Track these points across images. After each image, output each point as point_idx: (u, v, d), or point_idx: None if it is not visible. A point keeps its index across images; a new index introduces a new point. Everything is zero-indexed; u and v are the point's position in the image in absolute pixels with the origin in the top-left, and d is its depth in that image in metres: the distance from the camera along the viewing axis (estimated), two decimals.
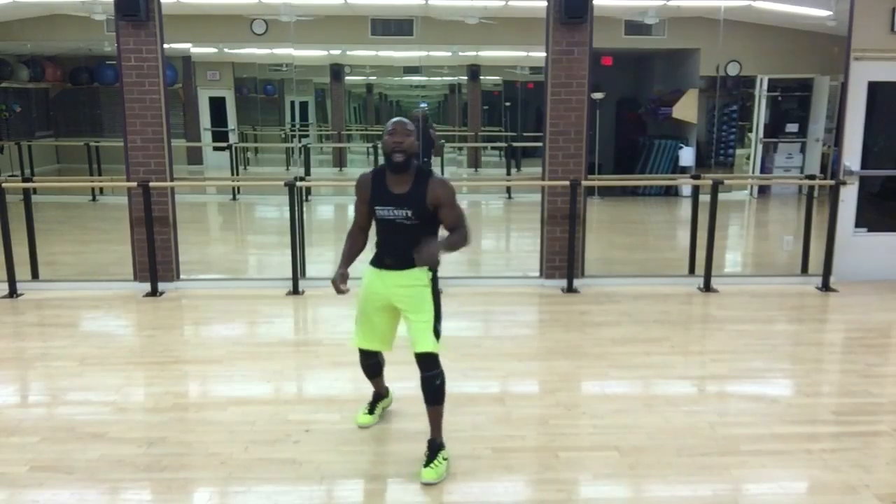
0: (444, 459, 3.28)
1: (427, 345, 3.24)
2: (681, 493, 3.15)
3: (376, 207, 3.27)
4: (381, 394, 3.81)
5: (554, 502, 3.08)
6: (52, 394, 4.26)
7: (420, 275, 3.28)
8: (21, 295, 6.17)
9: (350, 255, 3.45)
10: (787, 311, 5.91)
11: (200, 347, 5.10)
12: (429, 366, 3.26)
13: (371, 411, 3.77)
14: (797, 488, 3.22)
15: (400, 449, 3.51)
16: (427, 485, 3.16)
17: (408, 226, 3.23)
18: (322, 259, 7.58)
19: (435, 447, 3.29)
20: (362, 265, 3.44)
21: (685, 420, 3.82)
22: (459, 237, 3.27)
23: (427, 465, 3.23)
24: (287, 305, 6.00)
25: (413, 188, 3.23)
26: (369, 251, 3.48)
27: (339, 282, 3.34)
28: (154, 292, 6.21)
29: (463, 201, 10.61)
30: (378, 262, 3.36)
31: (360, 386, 4.28)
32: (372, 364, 3.63)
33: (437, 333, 3.29)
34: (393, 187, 3.25)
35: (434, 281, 3.33)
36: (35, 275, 6.43)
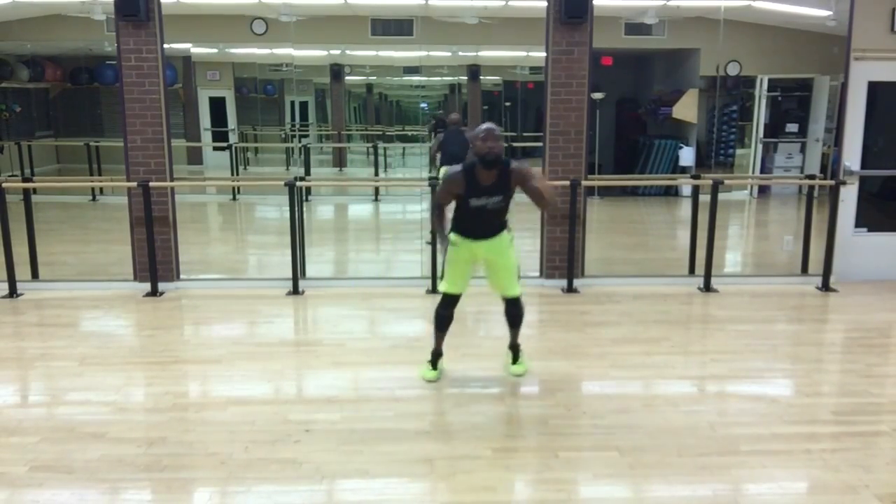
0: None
1: (516, 290, 4.25)
2: (681, 493, 3.15)
3: (471, 199, 4.01)
4: (440, 351, 4.41)
5: (554, 502, 3.08)
6: (52, 394, 4.26)
7: (506, 237, 4.21)
8: (21, 295, 6.17)
9: (444, 223, 4.22)
10: (787, 311, 5.91)
11: (200, 347, 5.10)
12: (516, 304, 4.28)
13: (435, 367, 4.38)
14: (797, 488, 3.22)
15: (400, 449, 3.51)
16: (519, 376, 4.32)
17: (496, 210, 4.07)
18: (322, 259, 7.59)
19: (518, 349, 4.43)
20: (453, 235, 4.16)
21: (685, 420, 3.82)
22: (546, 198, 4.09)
23: (515, 362, 4.40)
24: (287, 305, 6.00)
25: (499, 178, 4.00)
26: None
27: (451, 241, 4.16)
28: (154, 292, 6.21)
29: None
30: (472, 235, 4.14)
31: (361, 385, 4.30)
32: (449, 315, 4.30)
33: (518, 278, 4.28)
34: (483, 180, 3.99)
35: (512, 241, 4.24)
36: (35, 275, 6.44)
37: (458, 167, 4.08)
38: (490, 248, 4.17)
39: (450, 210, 4.21)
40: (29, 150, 10.51)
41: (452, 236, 4.18)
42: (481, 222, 4.12)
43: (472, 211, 4.05)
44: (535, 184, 4.02)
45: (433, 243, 5.81)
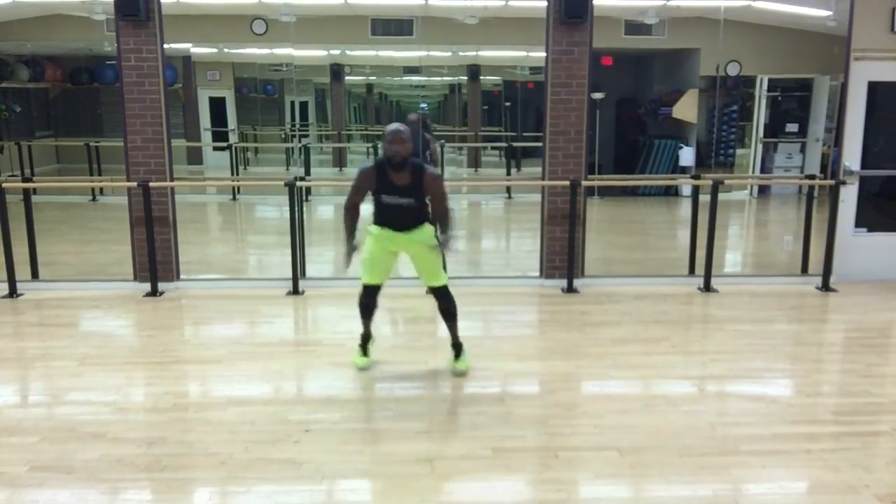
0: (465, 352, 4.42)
1: (441, 279, 4.29)
2: (681, 493, 3.15)
3: (383, 196, 4.11)
4: (369, 335, 4.52)
5: (554, 502, 3.08)
6: (52, 394, 4.26)
7: (428, 230, 4.23)
8: (21, 295, 6.17)
9: (354, 229, 4.29)
10: (787, 311, 5.91)
11: (200, 347, 5.10)
12: (444, 295, 4.29)
13: (365, 353, 4.49)
14: (797, 488, 3.22)
15: (400, 449, 3.51)
16: (460, 374, 4.29)
17: (411, 207, 4.15)
18: (322, 259, 7.59)
19: (459, 346, 4.40)
20: (367, 226, 4.27)
21: (685, 420, 3.82)
22: (451, 222, 4.27)
23: (457, 358, 4.37)
24: (287, 305, 6.00)
25: (412, 181, 4.10)
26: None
27: (354, 252, 4.25)
28: (154, 292, 6.21)
29: (463, 201, 10.64)
30: (390, 226, 4.20)
31: (361, 385, 4.30)
32: (372, 303, 4.37)
33: (444, 269, 4.34)
34: (395, 180, 4.08)
35: (436, 234, 4.28)
36: (35, 275, 6.43)
37: (369, 164, 4.20)
38: (410, 240, 4.24)
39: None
40: (29, 150, 10.52)
41: (371, 227, 4.28)
42: (397, 216, 4.20)
43: (386, 206, 4.18)
44: (438, 197, 4.21)
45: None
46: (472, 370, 4.48)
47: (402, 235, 4.24)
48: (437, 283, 4.31)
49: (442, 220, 4.27)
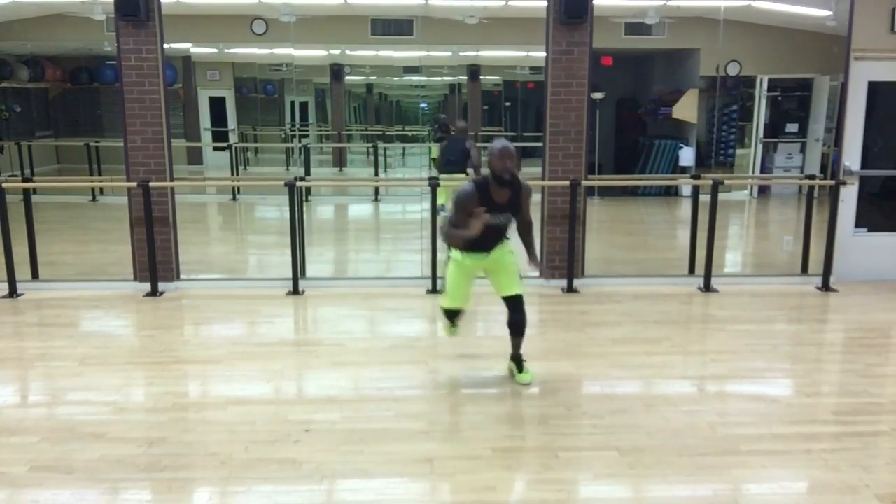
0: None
1: (517, 288, 4.20)
2: (681, 493, 3.15)
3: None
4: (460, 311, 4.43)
5: (554, 502, 3.08)
6: (52, 394, 4.26)
7: (508, 244, 4.21)
8: (21, 295, 6.17)
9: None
10: (787, 311, 5.91)
11: (200, 347, 5.10)
12: (518, 306, 4.19)
13: (454, 324, 4.49)
14: (797, 488, 3.22)
15: (400, 449, 3.51)
16: (526, 385, 4.21)
17: (505, 225, 4.12)
18: (322, 259, 7.59)
19: (520, 358, 4.31)
20: (456, 252, 4.17)
21: (685, 420, 3.82)
22: (532, 236, 4.31)
23: (521, 371, 4.27)
24: (287, 305, 6.00)
25: (512, 196, 4.03)
26: None
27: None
28: (154, 292, 6.21)
29: None
30: (480, 249, 4.09)
31: (361, 385, 4.30)
32: (457, 321, 4.45)
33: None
34: (496, 197, 3.99)
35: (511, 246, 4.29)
36: (35, 275, 6.43)
37: (469, 185, 4.05)
38: (494, 259, 4.17)
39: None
40: (29, 150, 10.52)
41: (456, 253, 4.16)
42: (490, 236, 4.07)
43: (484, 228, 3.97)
44: (527, 210, 4.20)
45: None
46: (472, 370, 4.49)
47: (485, 256, 4.15)
48: (515, 291, 4.18)
49: (528, 232, 4.26)
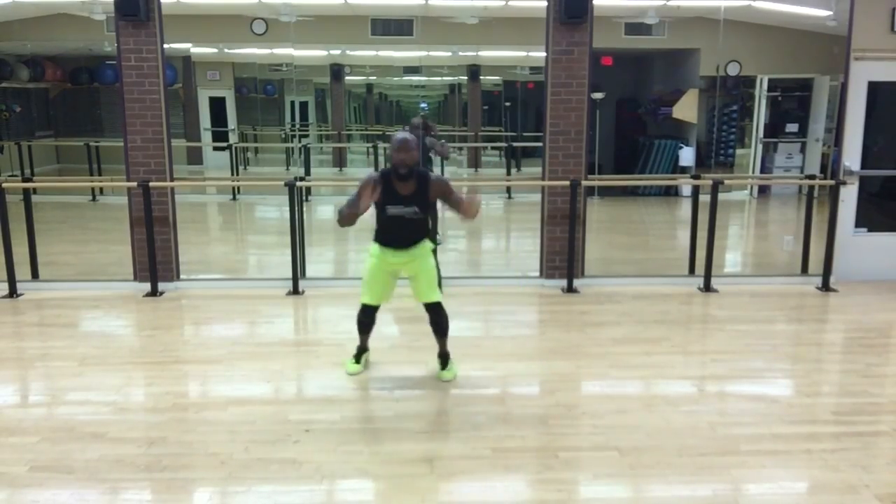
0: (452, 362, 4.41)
1: (435, 296, 4.26)
2: (681, 493, 3.15)
3: (387, 206, 4.03)
4: (365, 348, 4.53)
5: (554, 502, 3.08)
6: (52, 394, 4.26)
7: (426, 246, 4.21)
8: (21, 295, 6.17)
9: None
10: (787, 311, 5.91)
11: (200, 347, 5.10)
12: (438, 311, 4.27)
13: (358, 361, 4.49)
14: (797, 488, 3.22)
15: (400, 449, 3.51)
16: (447, 381, 4.25)
17: (414, 219, 4.09)
18: (322, 259, 7.59)
19: (447, 356, 4.38)
20: (373, 246, 4.21)
21: (685, 420, 3.82)
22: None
23: (444, 368, 4.34)
24: (287, 305, 6.00)
25: (417, 189, 4.04)
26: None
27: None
28: (154, 292, 6.21)
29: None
30: (392, 245, 4.16)
31: (361, 385, 4.30)
32: (369, 321, 4.39)
33: (439, 287, 4.32)
34: (400, 190, 4.02)
35: (434, 251, 4.29)
36: (35, 275, 6.43)
37: (374, 173, 4.13)
38: (410, 258, 4.19)
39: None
40: (29, 150, 10.51)
41: (372, 248, 4.24)
42: (401, 231, 4.14)
43: (389, 219, 4.09)
44: (455, 197, 4.13)
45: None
46: (472, 370, 4.48)
47: (402, 254, 4.18)
48: (433, 300, 4.26)
49: (468, 212, 4.18)
